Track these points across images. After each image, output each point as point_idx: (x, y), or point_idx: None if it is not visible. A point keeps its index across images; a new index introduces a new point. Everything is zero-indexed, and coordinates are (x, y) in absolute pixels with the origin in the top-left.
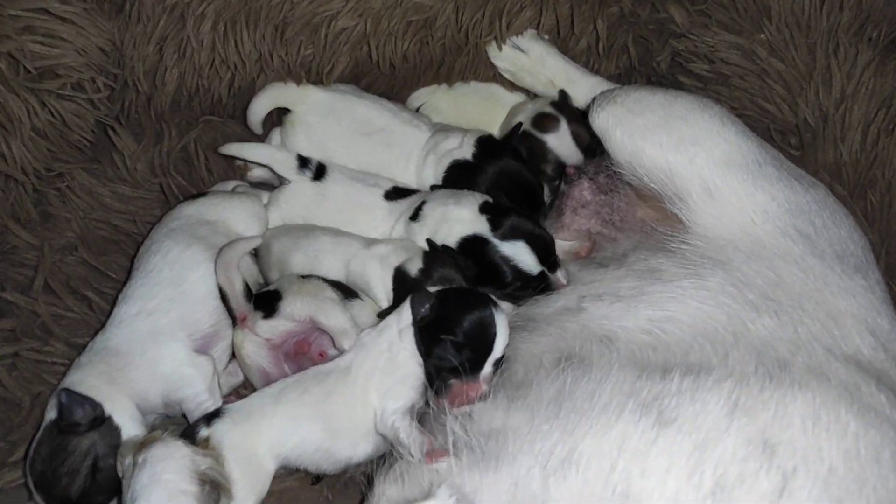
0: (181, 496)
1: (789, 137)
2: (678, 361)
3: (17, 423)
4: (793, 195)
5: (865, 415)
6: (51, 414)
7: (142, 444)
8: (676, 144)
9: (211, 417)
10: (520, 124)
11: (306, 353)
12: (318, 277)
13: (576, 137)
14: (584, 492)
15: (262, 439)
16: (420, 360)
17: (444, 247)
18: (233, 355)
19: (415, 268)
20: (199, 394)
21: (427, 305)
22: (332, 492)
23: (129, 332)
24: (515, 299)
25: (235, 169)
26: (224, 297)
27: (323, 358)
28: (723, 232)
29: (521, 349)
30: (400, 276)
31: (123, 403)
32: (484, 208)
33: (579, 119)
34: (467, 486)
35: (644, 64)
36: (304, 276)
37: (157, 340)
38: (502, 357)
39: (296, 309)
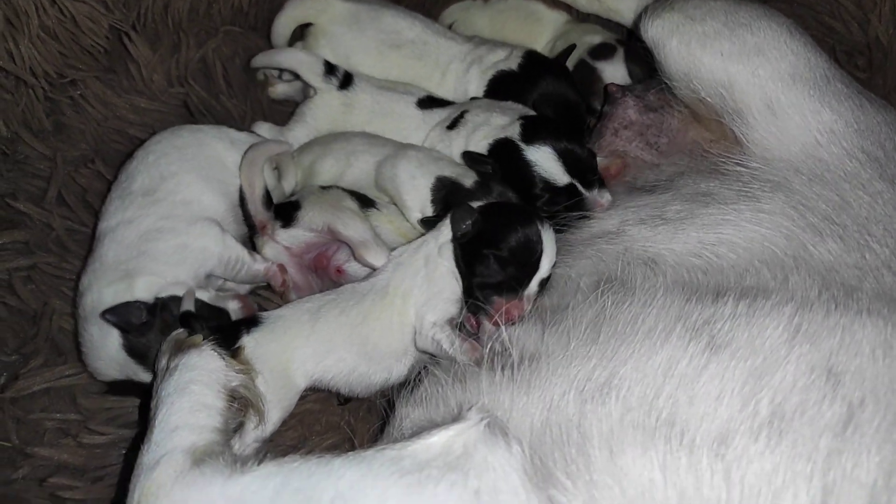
0: (204, 409)
1: (856, 58)
2: (732, 285)
3: (30, 336)
4: (862, 115)
5: None
6: (113, 337)
7: (178, 347)
8: (739, 54)
9: (251, 325)
10: (573, 46)
11: (325, 269)
12: (338, 188)
13: (630, 68)
14: (625, 418)
15: (297, 356)
16: (458, 277)
17: (470, 153)
18: None
19: (470, 180)
20: (219, 254)
21: (469, 221)
22: (354, 416)
23: (118, 245)
24: (548, 217)
25: (257, 84)
26: (243, 202)
27: (340, 274)
28: (783, 152)
29: (555, 272)
30: (448, 185)
31: (155, 285)
32: (523, 117)
33: (639, 57)
34: (498, 409)
35: None
36: (324, 188)
37: (148, 241)
38: (548, 277)
39: (314, 218)
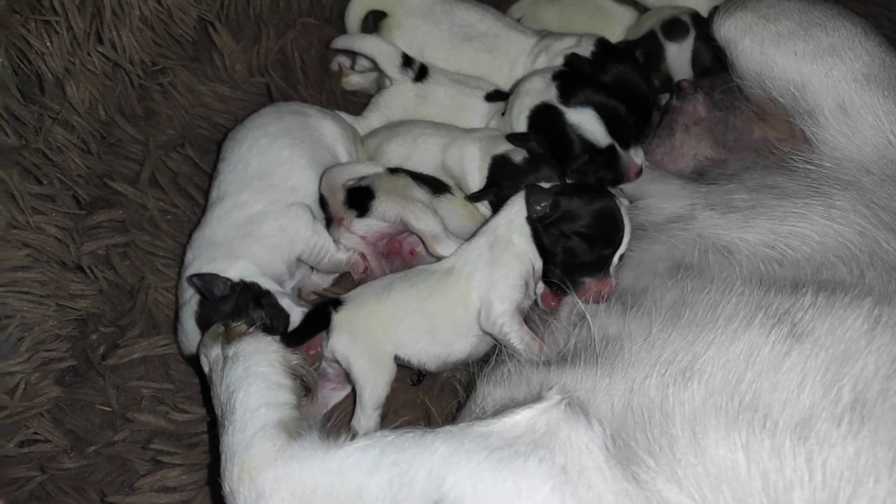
0: (278, 388)
1: None
2: (809, 278)
3: (127, 308)
4: None
5: None
6: (193, 302)
7: (229, 336)
8: (813, 54)
9: (337, 304)
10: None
11: (398, 253)
12: (407, 174)
13: (696, 54)
14: (707, 402)
15: (379, 323)
16: (529, 258)
17: (513, 135)
18: None
19: (519, 156)
20: (307, 239)
21: (546, 202)
22: (429, 396)
23: (227, 225)
24: (582, 175)
25: (331, 74)
26: (324, 203)
27: (414, 257)
28: (854, 152)
29: (631, 256)
30: (500, 162)
31: (247, 270)
32: (556, 76)
33: (707, 40)
34: (580, 390)
35: None
36: (392, 171)
37: (253, 223)
38: (625, 252)
39: (387, 210)
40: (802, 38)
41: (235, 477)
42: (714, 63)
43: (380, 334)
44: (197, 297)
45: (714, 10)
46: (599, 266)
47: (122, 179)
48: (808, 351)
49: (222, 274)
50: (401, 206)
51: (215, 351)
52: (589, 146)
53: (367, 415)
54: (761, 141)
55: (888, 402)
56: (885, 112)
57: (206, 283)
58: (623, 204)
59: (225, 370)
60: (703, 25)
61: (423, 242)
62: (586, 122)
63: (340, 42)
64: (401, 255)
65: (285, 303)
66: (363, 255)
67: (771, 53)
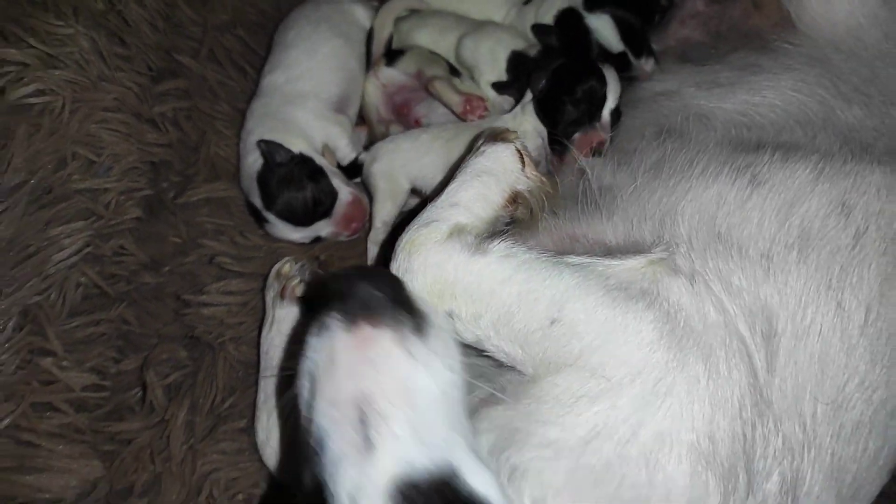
0: (483, 200)
1: None
2: (770, 140)
3: (192, 161)
4: None
5: None
6: (257, 164)
7: (495, 135)
8: None
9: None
10: None
11: (406, 116)
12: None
13: None
14: (691, 235)
15: (399, 160)
16: (540, 131)
17: (539, 25)
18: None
19: (534, 51)
20: (344, 146)
21: (544, 80)
22: None
23: (280, 96)
24: None
25: None
26: (370, 39)
27: (418, 125)
28: (828, 32)
29: (625, 123)
30: (518, 58)
31: (303, 146)
32: None
33: None
34: (590, 232)
35: None
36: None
37: (304, 101)
38: (618, 108)
39: (409, 64)
40: None
41: (401, 247)
42: None
43: (397, 170)
44: (261, 160)
45: None
46: (586, 120)
47: (185, 53)
48: (766, 195)
49: (286, 145)
50: (423, 62)
51: (479, 143)
52: (602, 50)
53: (375, 228)
54: (753, 28)
55: (825, 237)
56: None
57: (271, 149)
58: (610, 68)
59: (469, 160)
60: None
61: (432, 92)
62: (602, 28)
63: None
64: (407, 121)
65: (335, 182)
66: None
67: None
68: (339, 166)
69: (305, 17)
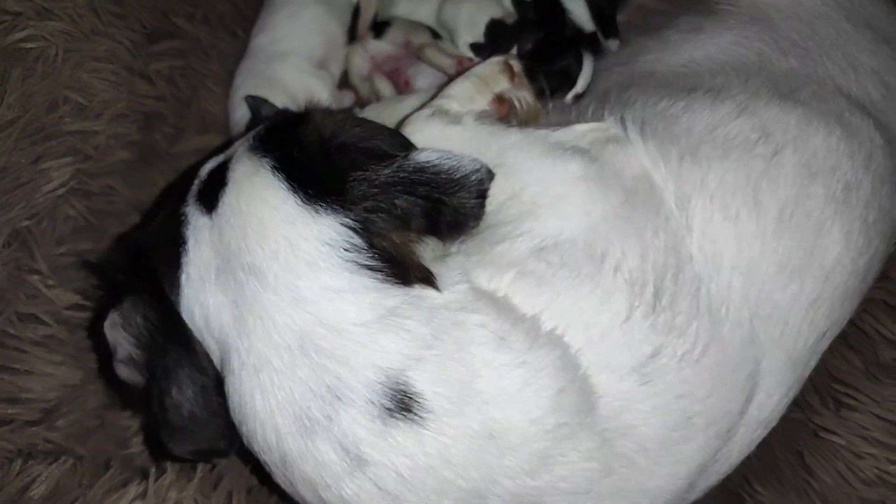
0: (468, 98)
1: None
2: (704, 83)
3: (184, 115)
4: None
5: (850, 128)
6: (245, 119)
7: None
8: None
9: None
10: None
11: (396, 80)
12: (423, 25)
13: None
14: (631, 141)
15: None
16: None
17: (520, 0)
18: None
19: (511, 20)
20: (325, 99)
21: (529, 45)
22: None
23: (265, 56)
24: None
25: None
26: (355, 15)
27: (407, 86)
28: None
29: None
30: (496, 24)
31: (286, 100)
32: None
33: None
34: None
35: None
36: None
37: (286, 59)
38: (582, 94)
39: (396, 35)
40: None
41: (401, 127)
42: None
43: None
44: (249, 113)
45: None
46: (548, 94)
47: (180, 16)
48: (695, 118)
49: (269, 99)
50: (410, 31)
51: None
52: (575, 28)
53: None
54: None
55: (745, 148)
56: None
57: (257, 104)
58: (589, 57)
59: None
60: None
61: (424, 58)
62: (576, 8)
63: None
64: (398, 84)
65: None
66: None
67: None
68: None
69: None
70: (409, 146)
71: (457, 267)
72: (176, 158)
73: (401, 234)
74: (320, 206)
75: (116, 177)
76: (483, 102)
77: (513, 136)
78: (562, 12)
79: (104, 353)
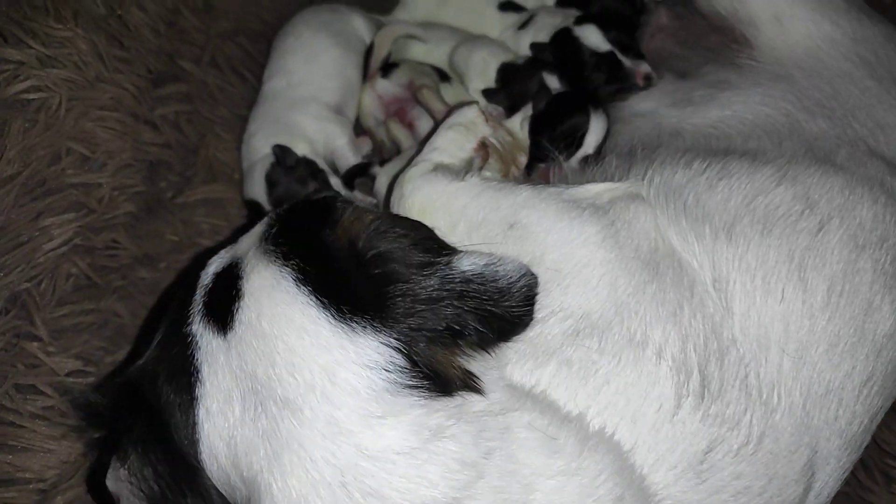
0: (456, 145)
1: None
2: (738, 146)
3: (192, 162)
4: (859, 27)
5: (894, 195)
6: (265, 163)
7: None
8: None
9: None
10: None
11: (402, 120)
12: (428, 65)
13: None
14: (655, 195)
15: None
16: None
17: (536, 44)
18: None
19: (521, 61)
20: (344, 145)
21: (545, 102)
22: None
23: (282, 101)
24: (595, 80)
25: None
26: (368, 54)
27: (412, 128)
28: (788, 53)
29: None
30: (507, 68)
31: (307, 149)
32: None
33: None
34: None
35: None
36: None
37: (304, 105)
38: (596, 155)
39: (402, 74)
40: None
41: (397, 182)
42: None
43: None
44: (270, 160)
45: None
46: (554, 157)
47: (187, 59)
48: (732, 185)
49: (292, 148)
50: (413, 73)
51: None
52: (591, 51)
53: None
54: (715, 45)
55: (789, 220)
56: (813, 22)
57: (283, 153)
58: (600, 114)
59: (445, 121)
60: None
61: (420, 99)
62: (587, 33)
63: None
64: (403, 124)
65: (333, 181)
66: None
67: None
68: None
69: (305, 23)
70: (443, 247)
71: (493, 363)
72: (182, 209)
73: (447, 350)
74: (356, 324)
75: (120, 230)
76: (469, 149)
77: (523, 194)
78: (577, 46)
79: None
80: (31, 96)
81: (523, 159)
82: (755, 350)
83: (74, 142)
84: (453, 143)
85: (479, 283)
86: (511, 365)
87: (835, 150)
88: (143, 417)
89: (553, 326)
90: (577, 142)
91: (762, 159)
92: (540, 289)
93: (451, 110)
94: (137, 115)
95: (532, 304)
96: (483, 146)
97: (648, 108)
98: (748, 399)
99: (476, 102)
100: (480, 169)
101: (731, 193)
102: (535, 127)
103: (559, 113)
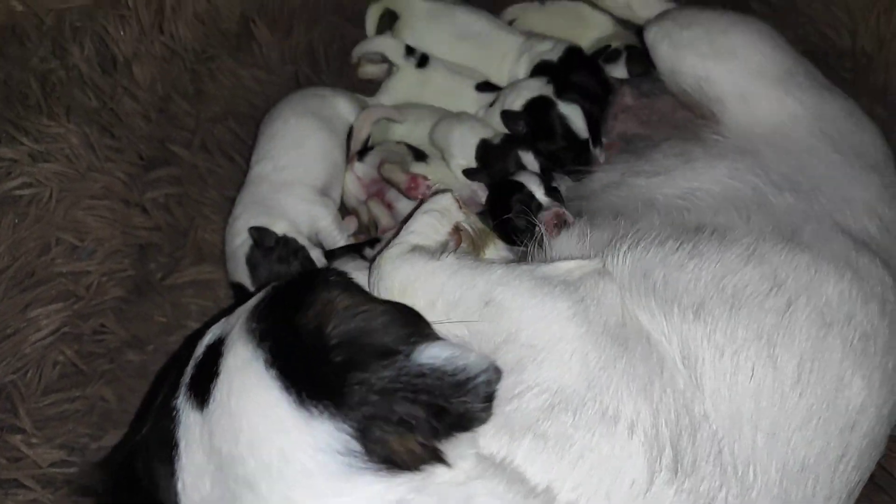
0: (432, 228)
1: (844, 62)
2: (709, 221)
3: (181, 244)
4: (821, 103)
5: (859, 272)
6: (245, 247)
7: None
8: (715, 54)
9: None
10: (608, 46)
11: (383, 201)
12: (405, 143)
13: (630, 68)
14: (625, 276)
15: None
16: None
17: (508, 111)
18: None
19: (497, 139)
20: (329, 225)
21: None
22: None
23: (268, 185)
24: (557, 161)
25: (351, 65)
26: (349, 137)
27: (391, 209)
28: (755, 128)
29: (582, 208)
30: (484, 145)
31: (287, 227)
32: (551, 80)
33: (640, 61)
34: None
35: None
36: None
37: (290, 188)
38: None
39: (375, 155)
40: (707, 41)
41: (375, 263)
42: (649, 66)
43: None
44: (250, 242)
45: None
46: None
47: (178, 143)
48: (702, 263)
49: (271, 228)
50: (384, 153)
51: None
52: (570, 134)
53: None
54: (682, 120)
55: (757, 299)
56: (777, 99)
57: (261, 234)
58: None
59: (421, 206)
60: (637, 52)
61: (383, 175)
62: (573, 116)
63: (358, 50)
64: (383, 204)
65: (315, 255)
66: None
67: (682, 54)
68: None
69: (291, 108)
70: (413, 333)
71: (464, 436)
72: (171, 290)
73: (401, 440)
74: (315, 409)
75: (109, 315)
76: (444, 233)
77: (497, 272)
78: (559, 118)
79: None
80: (23, 192)
81: (493, 245)
82: (728, 426)
83: (64, 231)
84: (429, 227)
85: (435, 378)
86: (487, 437)
87: (801, 226)
88: (138, 497)
89: (529, 401)
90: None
91: (731, 236)
92: (515, 366)
93: (413, 179)
94: (128, 201)
95: (491, 401)
96: (457, 230)
97: (615, 178)
98: (723, 475)
99: (450, 191)
100: (454, 252)
101: (700, 273)
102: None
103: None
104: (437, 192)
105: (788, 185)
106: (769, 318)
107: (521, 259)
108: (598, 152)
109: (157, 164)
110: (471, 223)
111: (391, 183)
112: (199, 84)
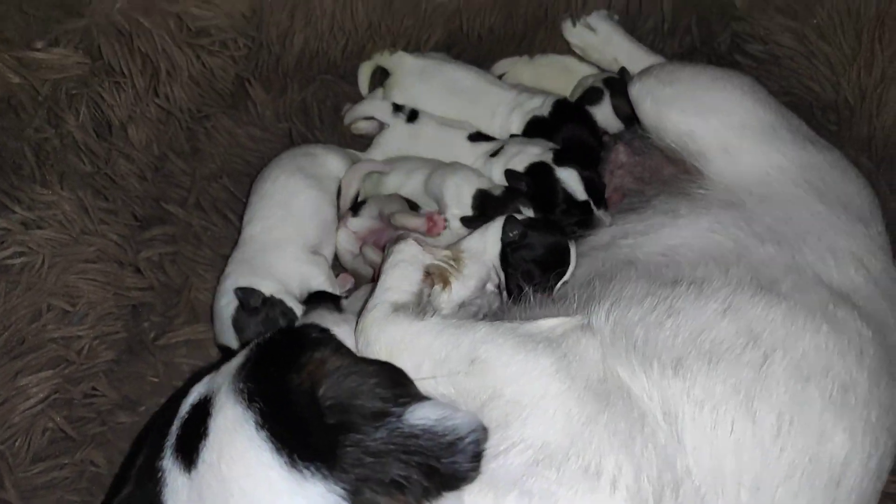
0: (406, 279)
1: (829, 114)
2: (686, 275)
3: (174, 303)
4: (805, 154)
5: (837, 324)
6: (230, 307)
7: (395, 241)
8: (697, 111)
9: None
10: (591, 88)
11: (382, 248)
12: (397, 195)
13: (616, 109)
14: (606, 351)
15: None
16: (494, 269)
17: (512, 171)
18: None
19: (497, 191)
20: (321, 284)
21: (517, 231)
22: None
23: (258, 244)
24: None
25: (343, 121)
26: (338, 194)
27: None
28: (738, 181)
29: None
30: (483, 195)
31: (275, 288)
32: (552, 149)
33: (623, 94)
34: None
35: (705, 44)
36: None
37: (280, 248)
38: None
39: (372, 207)
40: (689, 97)
41: (359, 328)
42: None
43: None
44: (236, 303)
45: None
46: (546, 286)
47: (173, 202)
48: (680, 320)
49: (258, 288)
50: (381, 204)
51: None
52: (569, 198)
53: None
54: (670, 176)
55: (734, 353)
56: (761, 152)
57: (245, 295)
58: (573, 244)
59: (386, 260)
60: (617, 84)
61: (395, 224)
62: (569, 179)
63: (349, 116)
64: (377, 250)
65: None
66: None
67: (665, 110)
68: None
69: (281, 167)
70: (402, 394)
71: (450, 494)
72: (163, 350)
73: (392, 501)
74: (307, 471)
75: (100, 377)
76: (417, 282)
77: (482, 330)
78: (556, 182)
79: None
80: (14, 261)
81: (463, 271)
82: (710, 481)
83: (55, 297)
84: (402, 280)
85: (426, 439)
86: (473, 494)
87: (781, 278)
88: None
89: (514, 458)
90: (558, 275)
91: (708, 290)
92: (501, 422)
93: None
94: (122, 262)
95: (479, 461)
96: (427, 274)
97: (604, 241)
98: None
99: (409, 236)
100: (429, 295)
101: (678, 330)
102: (517, 259)
103: (545, 245)
104: (396, 241)
105: (771, 236)
106: (746, 373)
107: (482, 293)
108: (601, 214)
109: (151, 224)
110: (440, 260)
111: (407, 229)
112: (194, 142)
